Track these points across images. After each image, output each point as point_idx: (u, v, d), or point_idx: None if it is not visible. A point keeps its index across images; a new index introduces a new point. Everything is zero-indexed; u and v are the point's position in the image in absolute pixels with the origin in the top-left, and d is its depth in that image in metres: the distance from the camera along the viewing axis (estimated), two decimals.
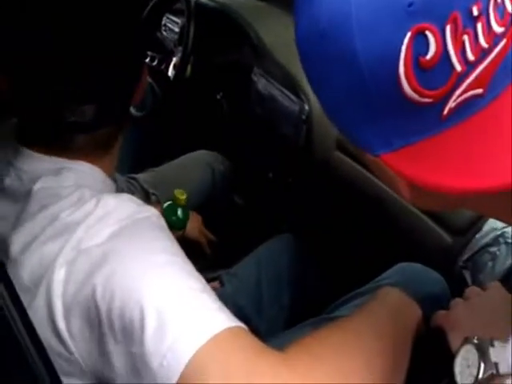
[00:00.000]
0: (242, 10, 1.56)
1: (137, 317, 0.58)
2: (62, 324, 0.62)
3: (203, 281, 0.64)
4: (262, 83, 1.40)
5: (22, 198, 0.71)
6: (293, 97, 1.30)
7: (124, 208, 0.67)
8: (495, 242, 0.97)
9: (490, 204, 0.54)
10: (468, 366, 0.59)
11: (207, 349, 0.56)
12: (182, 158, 1.60)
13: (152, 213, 0.69)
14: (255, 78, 1.42)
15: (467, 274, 0.99)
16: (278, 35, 1.46)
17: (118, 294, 0.59)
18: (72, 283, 0.62)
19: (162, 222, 0.71)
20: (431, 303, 0.86)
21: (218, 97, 1.65)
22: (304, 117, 1.27)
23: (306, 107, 1.26)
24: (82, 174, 0.74)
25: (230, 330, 0.58)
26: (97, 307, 0.60)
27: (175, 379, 0.55)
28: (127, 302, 0.59)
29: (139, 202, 0.71)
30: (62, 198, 0.68)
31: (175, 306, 0.58)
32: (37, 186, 0.71)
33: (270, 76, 1.38)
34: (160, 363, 0.56)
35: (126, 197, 0.71)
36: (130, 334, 0.58)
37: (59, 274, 0.62)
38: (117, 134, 0.79)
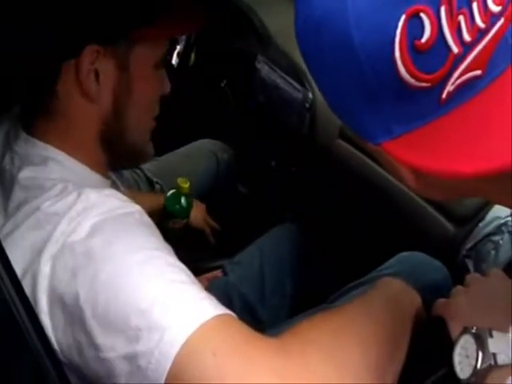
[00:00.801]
0: None
1: (121, 320, 0.58)
2: (46, 320, 0.62)
3: (188, 272, 0.64)
4: (265, 71, 1.39)
5: (8, 183, 0.72)
6: (296, 85, 1.29)
7: (105, 203, 0.66)
8: (498, 230, 0.96)
9: (494, 189, 0.53)
10: (467, 357, 0.59)
11: (196, 338, 0.55)
12: (186, 146, 1.59)
13: (135, 209, 0.69)
14: (259, 66, 1.41)
15: (470, 263, 0.98)
16: (282, 23, 1.44)
17: (102, 298, 0.59)
18: (57, 280, 0.62)
19: (146, 218, 0.70)
20: (433, 292, 0.85)
21: (222, 85, 1.64)
22: (307, 105, 1.27)
23: (310, 95, 1.26)
24: (66, 168, 0.73)
25: (218, 317, 0.58)
26: (81, 310, 0.60)
27: (164, 375, 0.55)
28: (111, 307, 0.59)
29: (123, 198, 0.70)
30: (46, 190, 0.68)
31: (160, 302, 0.58)
32: (22, 175, 0.71)
33: (273, 64, 1.37)
34: (148, 361, 0.56)
35: (108, 192, 0.70)
36: (116, 337, 0.58)
37: (45, 269, 0.62)
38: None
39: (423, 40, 0.44)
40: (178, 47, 1.77)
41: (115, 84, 0.74)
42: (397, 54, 0.44)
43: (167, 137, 1.67)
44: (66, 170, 0.73)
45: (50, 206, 0.66)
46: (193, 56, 1.75)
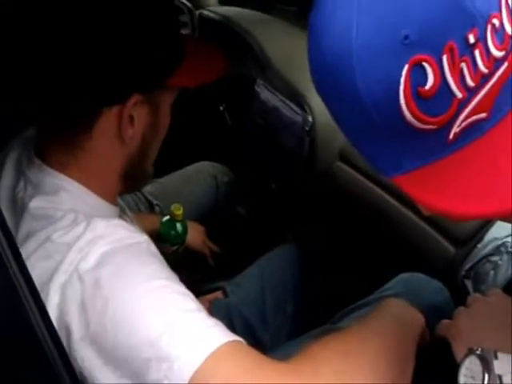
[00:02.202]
0: (246, 23, 1.57)
1: (130, 352, 0.58)
2: None
3: (195, 300, 0.64)
4: (265, 95, 1.41)
5: (19, 210, 0.72)
6: (296, 108, 1.31)
7: (113, 232, 0.67)
8: (497, 251, 0.97)
9: None
10: (472, 377, 0.59)
11: (207, 366, 0.56)
12: (186, 169, 1.60)
13: (143, 239, 0.70)
14: (259, 90, 1.43)
15: (469, 284, 0.99)
16: (281, 47, 1.47)
17: (110, 330, 0.60)
18: (66, 310, 0.62)
19: (153, 247, 0.71)
20: (434, 313, 0.86)
21: (221, 108, 1.66)
22: (307, 128, 1.28)
23: (310, 119, 1.27)
24: (78, 197, 0.74)
25: (227, 345, 0.58)
26: (90, 342, 0.60)
27: None
28: (120, 339, 0.59)
29: (130, 228, 0.72)
30: (56, 221, 0.69)
31: (169, 332, 0.58)
32: (32, 204, 0.71)
33: (273, 87, 1.39)
34: None
35: (117, 222, 0.71)
36: (125, 369, 0.59)
37: (54, 298, 0.63)
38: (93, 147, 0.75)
39: (427, 87, 0.45)
40: None
41: (146, 127, 0.77)
42: (402, 101, 0.46)
43: (167, 159, 1.68)
44: (76, 200, 0.74)
45: (59, 237, 0.67)
46: None
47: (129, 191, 0.86)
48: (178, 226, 1.30)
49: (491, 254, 0.98)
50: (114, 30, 0.69)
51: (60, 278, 0.63)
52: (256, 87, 1.43)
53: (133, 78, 0.72)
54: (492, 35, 0.46)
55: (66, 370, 0.52)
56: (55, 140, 0.75)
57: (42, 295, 0.62)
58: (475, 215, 0.47)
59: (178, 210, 1.28)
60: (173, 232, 1.29)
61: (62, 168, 0.75)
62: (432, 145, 0.48)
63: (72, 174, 0.75)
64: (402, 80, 0.45)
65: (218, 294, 1.26)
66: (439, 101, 0.46)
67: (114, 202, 0.82)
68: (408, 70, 0.45)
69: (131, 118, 0.74)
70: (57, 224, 0.68)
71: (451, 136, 0.47)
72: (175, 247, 1.31)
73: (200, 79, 0.81)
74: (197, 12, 1.71)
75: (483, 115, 0.47)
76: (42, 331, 0.52)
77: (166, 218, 1.30)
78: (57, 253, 0.65)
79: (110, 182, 0.79)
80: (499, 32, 0.46)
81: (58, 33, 0.67)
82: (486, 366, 0.58)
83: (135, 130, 0.75)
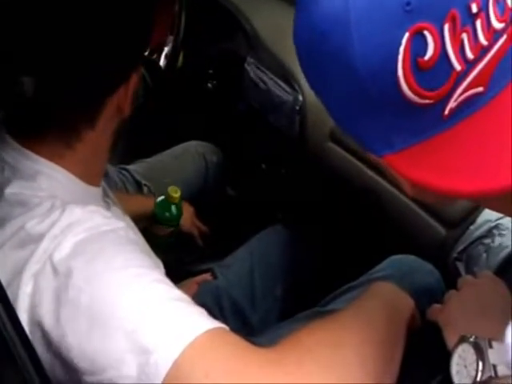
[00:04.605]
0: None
1: (105, 345, 0.56)
2: None
3: (174, 287, 0.62)
4: (255, 73, 1.39)
5: None
6: (286, 87, 1.29)
7: (89, 219, 0.65)
8: (489, 233, 0.96)
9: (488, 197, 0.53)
10: (465, 366, 0.58)
11: (186, 359, 0.54)
12: (175, 148, 1.58)
13: (120, 226, 0.67)
14: (248, 68, 1.40)
15: (461, 266, 0.98)
16: (271, 25, 1.44)
17: (84, 321, 0.58)
18: (38, 300, 0.60)
19: (131, 234, 0.69)
20: (425, 295, 0.86)
21: (211, 86, 1.64)
22: (297, 107, 1.26)
23: (300, 98, 1.25)
24: (57, 182, 0.71)
25: (208, 333, 0.56)
26: (62, 333, 0.58)
27: None
28: (94, 330, 0.57)
29: (107, 214, 0.69)
30: (32, 208, 0.66)
31: (145, 323, 0.57)
32: (9, 190, 0.68)
33: (263, 66, 1.37)
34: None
35: (93, 208, 0.68)
36: (99, 362, 0.57)
37: (27, 288, 0.60)
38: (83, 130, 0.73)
39: (426, 58, 0.44)
40: (166, 49, 1.75)
41: (135, 89, 0.75)
42: (400, 71, 0.44)
43: (155, 138, 1.66)
44: (55, 184, 0.71)
45: (34, 226, 0.64)
46: (181, 58, 1.74)
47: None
48: (173, 208, 1.29)
49: (484, 236, 0.97)
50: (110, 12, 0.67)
51: (33, 268, 0.61)
52: (246, 65, 1.41)
53: (132, 55, 0.72)
54: (494, 5, 0.45)
55: (35, 370, 0.50)
56: (48, 130, 0.71)
57: (14, 285, 0.61)
58: (468, 192, 0.46)
59: (175, 193, 1.28)
60: (167, 214, 1.30)
61: (43, 153, 0.71)
62: (426, 121, 0.46)
63: (63, 164, 0.72)
64: (402, 49, 0.43)
65: (207, 276, 1.25)
66: (437, 73, 0.44)
67: (97, 184, 0.79)
68: (408, 39, 0.43)
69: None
70: (33, 211, 0.66)
71: (447, 111, 0.46)
72: (171, 229, 1.31)
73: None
74: None
75: (480, 89, 0.45)
76: (8, 332, 0.50)
77: (161, 198, 1.29)
78: (31, 242, 0.63)
79: (100, 166, 0.77)
80: (500, 3, 0.45)
81: (56, 21, 0.65)
82: (481, 354, 0.57)
83: (128, 97, 0.74)
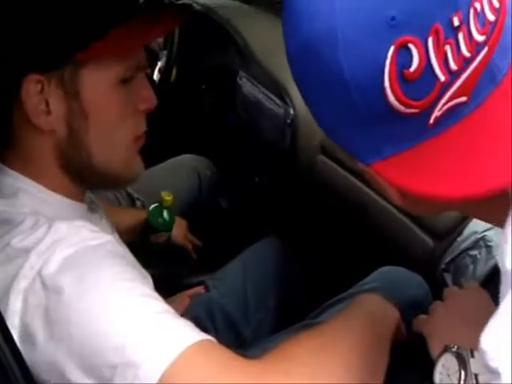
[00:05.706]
0: (228, 13, 1.55)
1: (96, 358, 0.57)
2: None
3: (162, 301, 0.63)
4: (247, 87, 1.40)
5: None
6: (278, 101, 1.30)
7: (76, 234, 0.65)
8: (476, 245, 0.97)
9: (477, 206, 0.54)
10: (448, 375, 0.59)
11: (173, 372, 0.55)
12: (168, 162, 1.59)
13: (106, 240, 0.68)
14: (241, 82, 1.42)
15: (448, 277, 0.99)
16: (263, 39, 1.46)
17: (76, 337, 0.59)
18: (29, 317, 0.61)
19: (118, 248, 0.69)
20: (413, 307, 0.87)
21: (204, 101, 1.65)
22: (289, 121, 1.27)
23: (291, 111, 1.26)
24: (38, 199, 0.72)
25: (195, 345, 0.57)
26: (55, 349, 0.59)
27: None
28: (85, 345, 0.58)
29: (94, 228, 0.69)
30: (16, 225, 0.66)
31: (133, 337, 0.57)
32: None
33: (255, 80, 1.38)
34: None
35: (79, 223, 0.68)
36: (91, 376, 0.58)
37: (15, 305, 0.61)
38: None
39: (412, 69, 0.45)
40: (160, 63, 1.77)
41: (66, 112, 0.70)
42: (386, 83, 0.46)
43: (149, 152, 1.67)
44: (37, 202, 0.72)
45: (20, 242, 0.64)
46: (174, 72, 1.75)
47: (90, 188, 0.82)
48: (165, 213, 1.31)
49: (470, 248, 0.98)
50: None
51: (21, 284, 0.62)
52: (238, 80, 1.42)
53: (18, 59, 0.66)
54: (474, 19, 0.46)
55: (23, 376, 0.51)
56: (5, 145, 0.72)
57: (3, 302, 0.61)
58: (456, 197, 0.47)
59: (168, 196, 1.31)
60: (160, 220, 1.31)
61: (13, 166, 0.72)
62: (412, 129, 0.48)
63: (23, 172, 0.72)
64: (388, 62, 0.45)
65: (200, 289, 1.26)
66: (422, 84, 0.46)
67: (78, 199, 0.79)
68: (394, 52, 0.45)
69: (47, 103, 0.68)
70: (18, 228, 0.66)
71: (432, 120, 0.47)
72: (165, 235, 1.32)
73: (127, 47, 0.71)
74: (179, 2, 1.69)
75: (463, 99, 0.47)
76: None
77: (154, 205, 1.31)
78: (17, 257, 0.63)
79: (57, 178, 0.74)
80: (480, 16, 0.47)
81: None
82: (463, 364, 0.58)
83: (53, 115, 0.69)
